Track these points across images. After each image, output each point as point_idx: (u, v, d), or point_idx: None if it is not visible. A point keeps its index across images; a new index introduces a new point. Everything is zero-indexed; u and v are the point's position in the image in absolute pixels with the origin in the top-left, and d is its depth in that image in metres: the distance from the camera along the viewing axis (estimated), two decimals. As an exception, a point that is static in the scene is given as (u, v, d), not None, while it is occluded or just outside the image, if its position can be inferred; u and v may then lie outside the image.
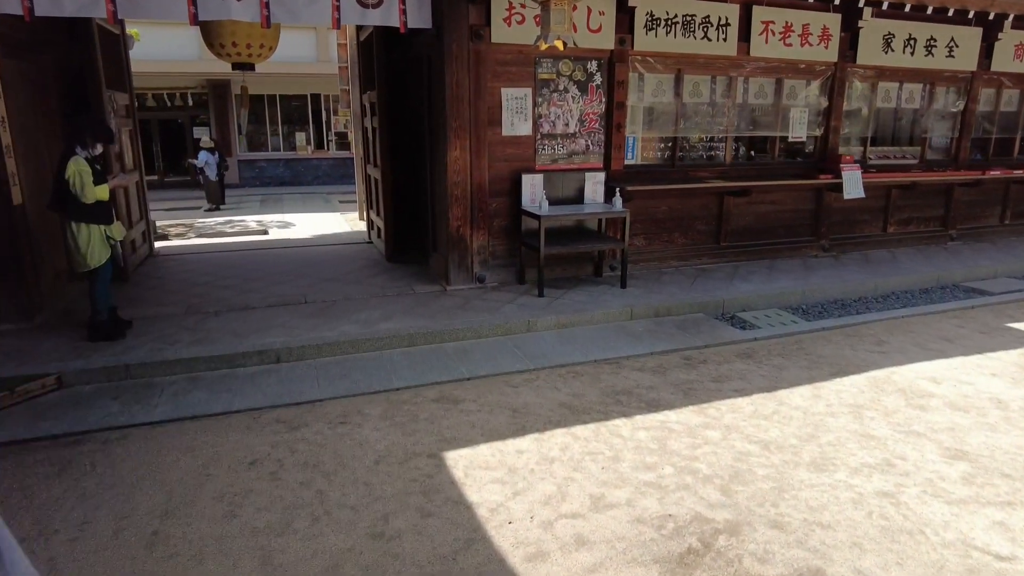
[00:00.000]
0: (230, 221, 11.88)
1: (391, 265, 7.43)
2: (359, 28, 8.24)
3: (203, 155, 13.75)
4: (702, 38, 6.67)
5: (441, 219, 6.57)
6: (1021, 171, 8.60)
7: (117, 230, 4.93)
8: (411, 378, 4.59)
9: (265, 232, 10.34)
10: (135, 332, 5.15)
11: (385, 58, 7.13)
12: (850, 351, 5.24)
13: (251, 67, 6.63)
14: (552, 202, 6.41)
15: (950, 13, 7.15)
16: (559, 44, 5.18)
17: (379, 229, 8.17)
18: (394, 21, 5.68)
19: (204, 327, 5.29)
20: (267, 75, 15.77)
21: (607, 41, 6.36)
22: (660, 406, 4.22)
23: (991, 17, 7.30)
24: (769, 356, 5.14)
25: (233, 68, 6.65)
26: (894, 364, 4.95)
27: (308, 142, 17.91)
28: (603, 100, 6.57)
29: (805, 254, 7.87)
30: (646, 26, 6.43)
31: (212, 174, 13.71)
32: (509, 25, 5.99)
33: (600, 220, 6.69)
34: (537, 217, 6.01)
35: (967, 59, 7.95)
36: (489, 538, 2.89)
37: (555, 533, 2.93)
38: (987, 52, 8.03)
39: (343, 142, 18.48)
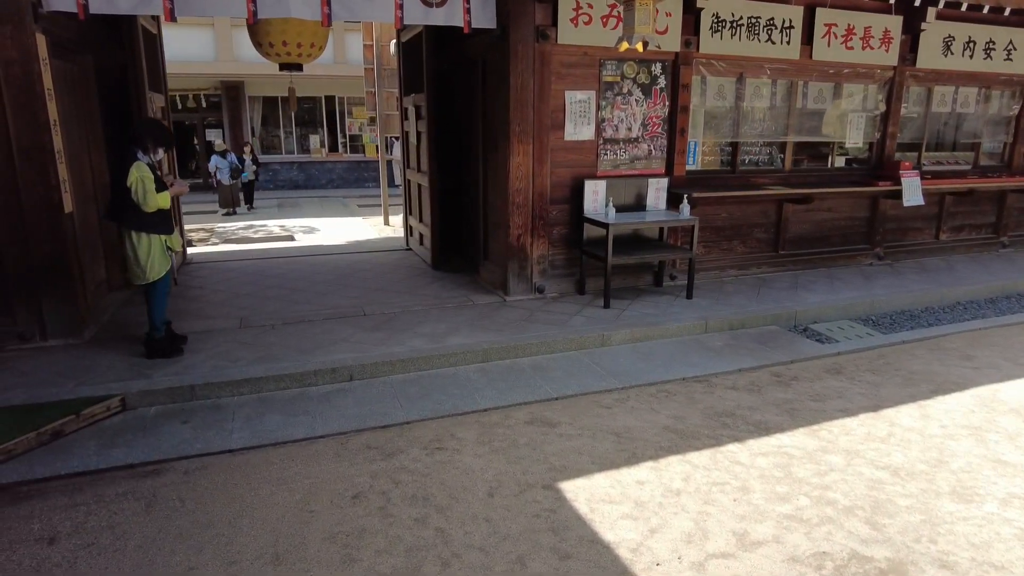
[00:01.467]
0: (252, 226, 11.56)
1: (438, 273, 7.16)
2: (402, 29, 7.98)
3: (215, 159, 13.42)
4: (766, 40, 6.45)
5: (498, 227, 6.31)
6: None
7: (176, 240, 4.64)
8: (495, 398, 4.33)
9: (292, 238, 10.04)
10: (190, 348, 4.86)
11: (433, 61, 6.88)
12: (940, 366, 5.03)
13: (299, 67, 6.35)
14: (618, 209, 6.17)
15: (1006, 12, 6.98)
16: (639, 47, 4.96)
17: (421, 236, 7.91)
18: (458, 20, 5.43)
19: (263, 342, 5.01)
20: (282, 76, 15.42)
21: (673, 43, 6.12)
22: (770, 429, 3.98)
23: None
24: (859, 372, 4.92)
25: (281, 69, 6.36)
26: (993, 381, 4.74)
27: (322, 145, 17.59)
28: (667, 103, 6.34)
29: (860, 262, 7.67)
30: (712, 28, 6.20)
31: (225, 178, 13.38)
32: (576, 25, 5.74)
33: (662, 228, 6.46)
34: (605, 225, 5.77)
35: (1021, 61, 7.78)
36: (643, 585, 2.63)
37: (711, 570, 2.68)
38: (1040, 56, 7.87)
39: (356, 145, 18.21)
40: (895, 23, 6.93)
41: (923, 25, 6.88)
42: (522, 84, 5.69)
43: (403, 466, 3.51)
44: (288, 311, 5.79)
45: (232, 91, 16.25)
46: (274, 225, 11.67)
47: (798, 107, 7.00)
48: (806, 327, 5.92)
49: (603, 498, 3.24)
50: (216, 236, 10.32)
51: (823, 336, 5.68)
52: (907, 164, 7.32)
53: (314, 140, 17.49)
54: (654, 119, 6.34)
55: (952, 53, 7.32)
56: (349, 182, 17.99)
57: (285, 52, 5.91)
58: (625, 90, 6.16)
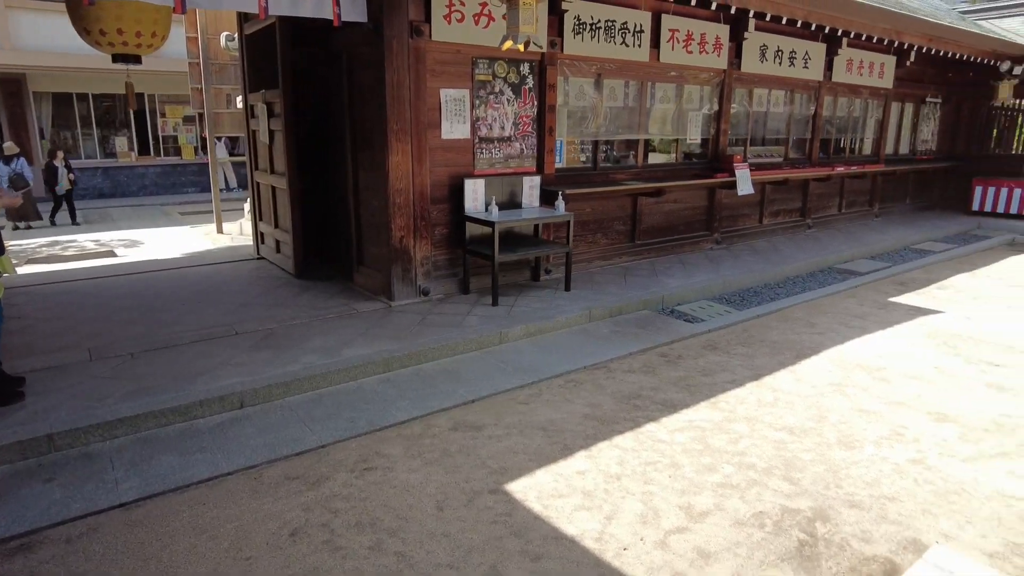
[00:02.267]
0: (57, 242, 9.93)
1: (305, 283, 6.69)
2: (245, 20, 7.30)
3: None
4: (621, 43, 6.87)
5: (376, 230, 6.05)
6: (856, 167, 10.06)
7: (8, 263, 3.84)
8: (411, 408, 4.15)
9: (112, 254, 8.79)
10: (33, 391, 4.06)
11: (290, 54, 6.39)
12: (793, 335, 5.72)
13: (137, 60, 5.54)
14: (500, 208, 6.20)
15: (798, 24, 8.09)
16: (522, 46, 5.03)
17: (277, 243, 7.34)
18: (327, 13, 5.09)
19: (129, 373, 4.33)
20: (77, 70, 13.39)
21: (540, 43, 6.28)
22: (676, 406, 4.26)
23: (828, 31, 8.38)
24: (731, 346, 5.44)
25: (114, 61, 5.48)
26: (836, 344, 5.49)
27: (131, 147, 15.52)
28: (535, 103, 6.49)
29: (703, 248, 8.47)
30: (574, 29, 6.46)
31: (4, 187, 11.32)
32: (449, 22, 5.67)
33: (538, 225, 6.61)
34: (491, 223, 5.77)
35: (816, 70, 9.08)
36: (620, 570, 2.68)
37: (676, 551, 2.81)
38: (829, 65, 9.25)
39: (171, 147, 16.38)
40: (724, 31, 7.73)
41: (746, 34, 7.75)
42: (399, 81, 5.50)
43: (335, 493, 3.24)
44: (147, 336, 5.06)
45: (11, 85, 13.76)
46: (86, 240, 10.13)
47: (648, 107, 7.54)
48: (673, 309, 6.41)
49: (551, 493, 3.25)
50: (17, 257, 8.72)
51: (691, 316, 6.20)
52: (739, 158, 8.22)
53: (120, 142, 15.38)
54: (524, 118, 6.46)
55: (767, 60, 8.34)
56: (164, 188, 16.13)
57: (121, 42, 5.12)
58: (497, 89, 6.21)
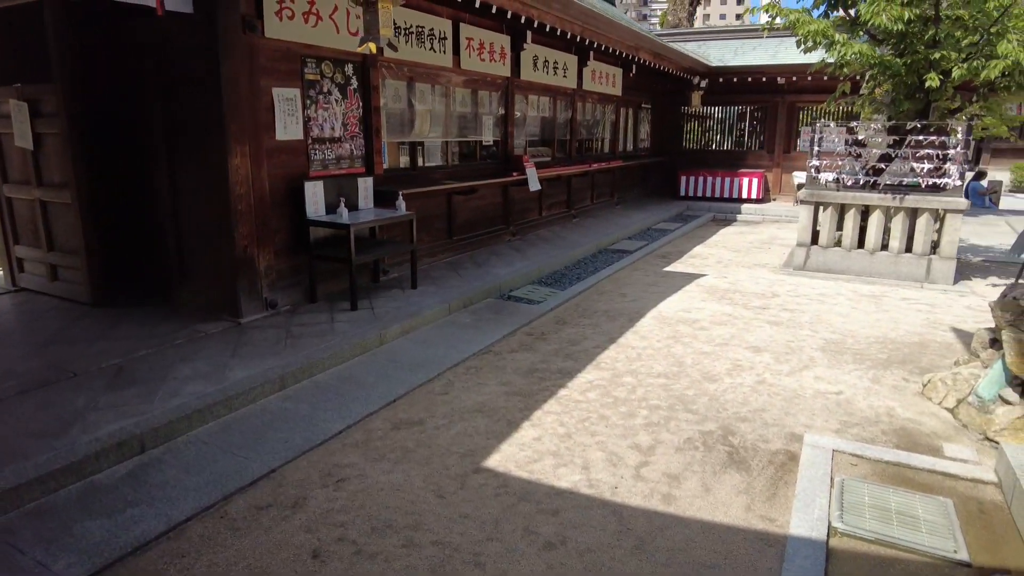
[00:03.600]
0: None
1: (111, 311, 5.68)
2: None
3: None
4: (429, 49, 7.18)
5: (207, 240, 5.48)
6: (604, 164, 11.84)
7: None
8: (337, 419, 4.03)
9: None
10: None
11: (74, 42, 5.36)
12: (617, 304, 6.74)
13: None
14: (329, 210, 6.06)
15: (560, 33, 9.33)
16: (372, 47, 5.08)
17: (53, 268, 6.07)
18: (150, 0, 4.50)
19: (-44, 443, 3.39)
20: None
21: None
22: (571, 372, 4.84)
23: (580, 44, 9.82)
24: (576, 319, 6.22)
25: None
26: (651, 306, 6.63)
27: None
28: (360, 104, 6.47)
29: (504, 240, 9.25)
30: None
31: None
32: (280, 19, 5.39)
33: (374, 226, 6.61)
34: (345, 226, 5.65)
35: (572, 79, 10.49)
36: (624, 503, 3.14)
37: (651, 480, 3.38)
38: (580, 75, 10.74)
39: None
40: (507, 42, 8.53)
41: (524, 45, 8.66)
42: (235, 78, 5.08)
43: (326, 508, 3.10)
44: (-67, 398, 3.93)
45: None
46: None
47: (453, 111, 7.98)
48: (509, 295, 7.00)
49: (527, 460, 3.56)
50: None
51: (528, 299, 6.85)
52: (526, 158, 9.15)
53: None
54: (352, 119, 6.40)
55: (538, 69, 9.40)
56: None
57: None
58: (325, 89, 6.06)
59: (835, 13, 7.46)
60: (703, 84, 13.28)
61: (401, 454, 3.63)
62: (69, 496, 3.16)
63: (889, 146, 7.44)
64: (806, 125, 14.06)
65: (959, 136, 7.00)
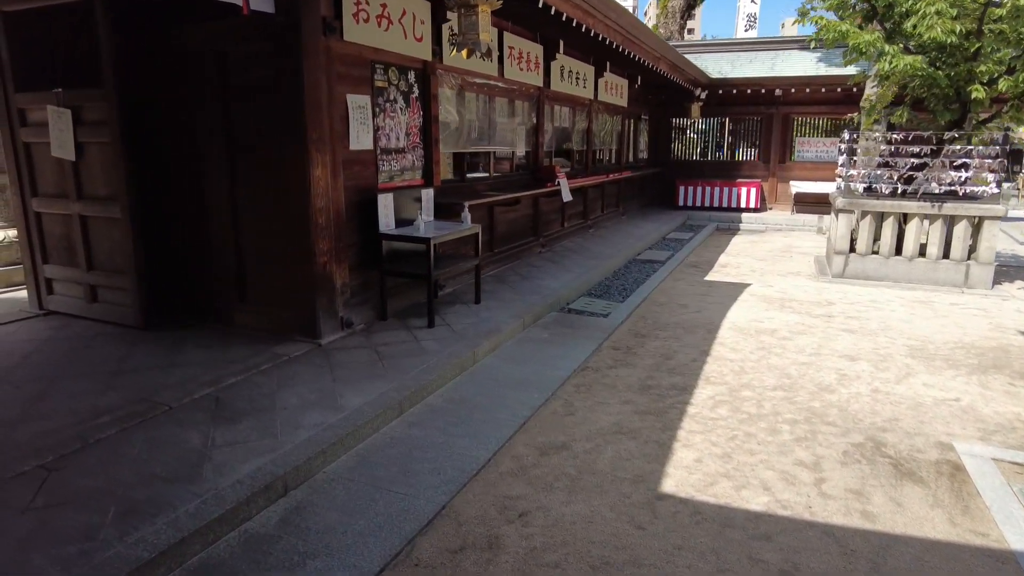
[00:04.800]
0: None
1: (166, 335, 5.20)
2: (13, -8, 5.28)
3: None
4: (479, 57, 6.95)
5: (276, 258, 5.11)
6: (615, 175, 11.80)
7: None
8: (474, 446, 3.74)
9: None
10: (-68, 554, 2.52)
11: (117, 42, 4.92)
12: (683, 316, 6.61)
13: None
14: (398, 223, 5.76)
15: (601, 39, 9.28)
16: (464, 54, 4.86)
17: (92, 290, 5.55)
18: (238, -1, 4.17)
19: (73, 492, 2.96)
20: None
21: (425, 51, 6.03)
22: (686, 388, 4.68)
23: (608, 49, 9.75)
24: (653, 331, 6.07)
25: None
26: (720, 317, 6.53)
27: None
28: (421, 113, 6.20)
29: (535, 252, 9.05)
30: (450, 40, 6.33)
31: None
32: (357, 21, 5.09)
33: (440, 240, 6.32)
34: (424, 240, 5.37)
35: (589, 90, 10.42)
36: (830, 522, 3.00)
37: (835, 497, 3.24)
38: (596, 86, 10.69)
39: None
40: (540, 52, 8.38)
41: (556, 55, 8.54)
42: (315, 83, 4.75)
43: (525, 548, 2.84)
44: (39, 438, 3.45)
45: None
46: None
47: (495, 121, 7.77)
48: (569, 308, 6.81)
49: (703, 484, 3.38)
50: None
51: (591, 312, 6.66)
52: (559, 168, 9.00)
53: None
54: (414, 129, 6.12)
55: (564, 79, 9.28)
56: None
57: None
58: (392, 97, 5.77)
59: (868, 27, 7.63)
60: (703, 95, 13.46)
61: (569, 482, 3.38)
62: (231, 549, 2.79)
63: (925, 154, 7.62)
64: (802, 135, 14.44)
65: (996, 144, 7.23)
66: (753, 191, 14.18)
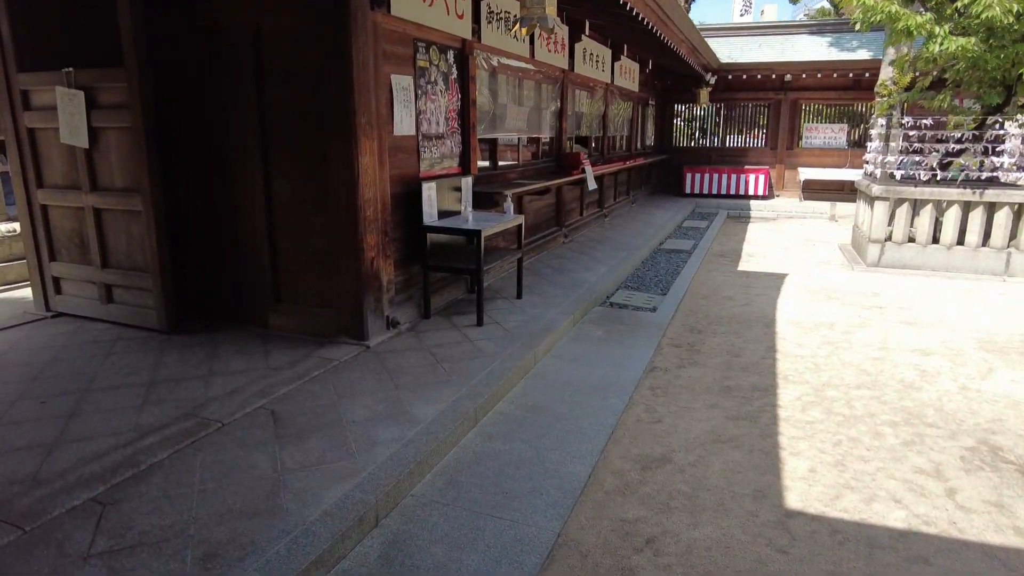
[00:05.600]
0: None
1: (196, 339, 4.76)
2: (17, -41, 4.74)
3: None
4: (511, 37, 6.56)
5: (317, 255, 4.70)
6: (630, 162, 11.47)
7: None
8: (565, 460, 3.41)
9: None
10: None
11: (142, 19, 4.44)
12: (732, 309, 6.33)
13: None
14: (441, 214, 5.38)
15: (640, 18, 8.81)
16: (523, 32, 4.48)
17: (107, 290, 5.08)
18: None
19: (146, 525, 2.57)
20: None
21: (465, 29, 5.62)
22: (766, 389, 4.40)
23: (641, 25, 9.38)
24: (707, 326, 5.79)
25: None
26: (771, 309, 6.29)
27: None
28: (459, 96, 5.79)
29: (559, 242, 8.70)
30: (487, 18, 5.94)
31: None
32: (403, -6, 4.68)
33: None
34: (474, 232, 5.00)
35: (607, 73, 10.05)
36: (986, 541, 2.73)
37: (970, 506, 2.98)
38: (612, 69, 10.32)
39: None
40: (566, 32, 7.99)
41: (581, 36, 8.15)
42: (363, 63, 4.33)
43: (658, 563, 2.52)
44: (84, 463, 3.03)
45: None
46: None
47: (525, 106, 7.38)
48: (612, 302, 6.49)
49: (828, 498, 3.09)
50: None
51: (635, 306, 6.34)
52: (583, 155, 8.64)
53: None
54: (452, 113, 5.72)
55: (587, 62, 8.91)
56: None
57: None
58: (432, 78, 5.36)
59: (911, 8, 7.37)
60: (712, 80, 13.17)
61: (686, 501, 3.07)
62: (335, 591, 2.43)
63: (967, 140, 7.42)
64: (810, 122, 14.25)
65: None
66: (761, 178, 13.98)
